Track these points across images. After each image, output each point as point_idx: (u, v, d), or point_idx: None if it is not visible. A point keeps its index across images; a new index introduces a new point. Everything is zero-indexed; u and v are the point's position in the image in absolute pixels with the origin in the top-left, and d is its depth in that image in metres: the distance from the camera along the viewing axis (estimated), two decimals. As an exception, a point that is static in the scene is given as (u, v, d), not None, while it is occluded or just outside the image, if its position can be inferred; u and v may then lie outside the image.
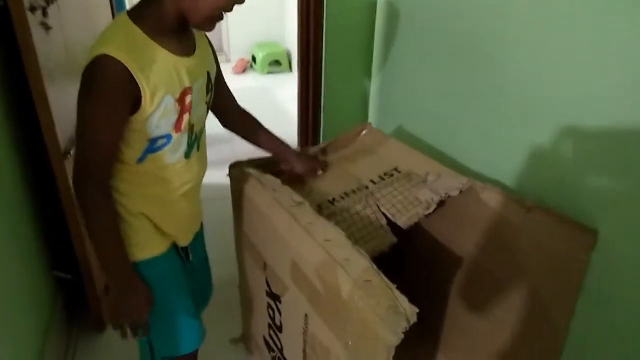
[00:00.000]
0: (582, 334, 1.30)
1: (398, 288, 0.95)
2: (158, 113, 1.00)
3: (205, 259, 1.41)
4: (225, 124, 1.35)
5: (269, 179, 1.31)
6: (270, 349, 1.51)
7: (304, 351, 1.23)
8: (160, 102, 0.99)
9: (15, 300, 1.45)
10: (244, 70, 5.31)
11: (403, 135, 1.99)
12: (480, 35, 1.51)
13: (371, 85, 2.29)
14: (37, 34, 1.40)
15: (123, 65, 0.91)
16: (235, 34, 5.43)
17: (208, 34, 1.11)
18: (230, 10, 1.00)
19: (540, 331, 1.33)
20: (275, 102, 4.46)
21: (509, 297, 1.39)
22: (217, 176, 1.55)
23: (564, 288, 1.26)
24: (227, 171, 1.41)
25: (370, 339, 0.93)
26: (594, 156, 1.21)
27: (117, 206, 1.09)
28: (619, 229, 1.17)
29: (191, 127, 1.10)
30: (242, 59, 5.36)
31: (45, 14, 1.48)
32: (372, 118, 2.33)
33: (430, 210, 1.28)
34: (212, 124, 1.29)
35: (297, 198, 1.23)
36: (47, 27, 1.50)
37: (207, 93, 1.15)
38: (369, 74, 2.27)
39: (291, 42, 5.14)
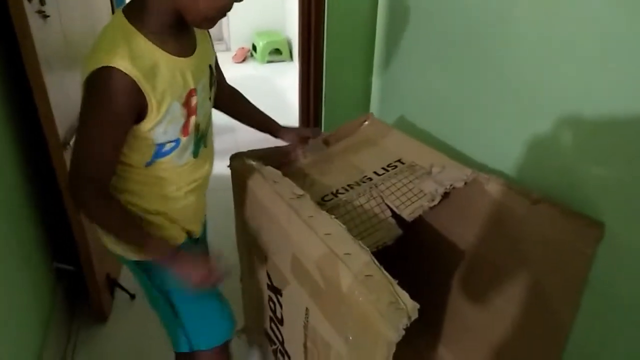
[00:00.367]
0: (586, 328, 1.30)
1: (399, 280, 0.94)
2: (165, 121, 0.98)
3: (206, 248, 1.41)
4: (215, 104, 1.32)
5: (270, 170, 1.30)
6: (271, 342, 1.51)
7: (305, 345, 1.23)
8: (167, 110, 0.97)
9: (16, 291, 1.45)
10: (244, 59, 5.27)
11: (405, 126, 1.97)
12: (483, 25, 1.48)
13: (373, 74, 2.27)
14: (34, 22, 1.38)
15: (129, 77, 0.88)
16: (235, 22, 5.38)
17: None
18: (230, 9, 0.96)
19: (543, 324, 1.33)
20: (275, 91, 4.43)
21: (511, 290, 1.38)
22: (219, 167, 1.53)
23: (568, 281, 1.24)
24: (228, 162, 1.40)
25: (370, 335, 0.92)
26: (600, 147, 1.19)
27: (132, 206, 1.08)
28: (626, 221, 1.16)
29: (197, 126, 1.08)
30: (242, 48, 5.32)
31: (42, 2, 1.46)
32: (373, 108, 2.30)
33: (435, 202, 1.27)
34: (214, 115, 1.27)
35: (298, 190, 1.22)
36: (44, 15, 1.47)
37: (210, 88, 1.13)
38: (370, 63, 2.25)
39: (292, 31, 5.09)
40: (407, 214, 1.23)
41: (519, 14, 1.35)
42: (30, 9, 1.36)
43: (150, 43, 0.93)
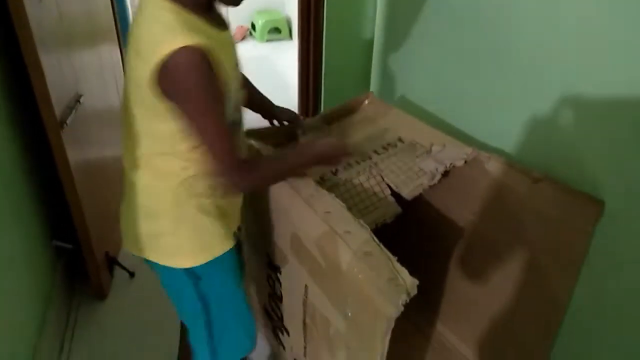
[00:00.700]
0: (583, 305, 1.31)
1: (399, 258, 0.94)
2: (231, 95, 0.96)
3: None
4: None
5: (270, 150, 1.29)
6: (270, 318, 1.52)
7: (304, 321, 1.24)
8: (232, 82, 0.96)
9: (14, 269, 1.45)
10: (243, 38, 5.20)
11: (405, 105, 1.95)
12: (485, 3, 1.46)
13: (373, 53, 2.24)
14: (29, 1, 1.36)
15: (203, 50, 0.85)
16: (234, 0, 5.30)
17: None
18: None
19: (541, 301, 1.34)
20: (275, 70, 4.38)
21: (510, 267, 1.39)
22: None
23: (567, 259, 1.25)
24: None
25: (369, 311, 0.92)
26: (601, 126, 1.19)
27: (204, 200, 1.04)
28: (626, 199, 1.16)
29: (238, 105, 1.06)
30: (241, 26, 5.25)
31: (36, -21, 1.44)
32: (373, 86, 2.28)
33: (435, 181, 1.26)
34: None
35: (298, 169, 1.22)
36: (39, -7, 1.45)
37: (237, 66, 1.09)
38: (370, 42, 2.22)
39: (291, 9, 5.02)
40: (407, 192, 1.23)
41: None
42: (25, -13, 1.34)
43: (197, 18, 0.90)
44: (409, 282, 0.89)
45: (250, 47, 5.07)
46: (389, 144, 1.42)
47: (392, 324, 0.88)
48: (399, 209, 1.20)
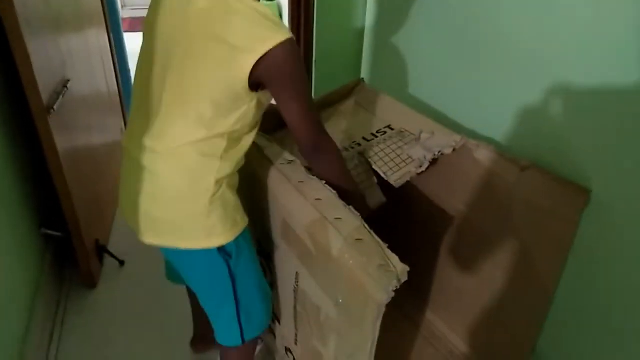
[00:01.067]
0: (571, 292, 1.32)
1: (389, 247, 0.94)
2: None
3: None
4: None
5: (260, 136, 1.28)
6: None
7: (295, 308, 1.24)
8: None
9: (3, 258, 1.44)
10: (233, 24, 5.15)
11: (396, 92, 1.95)
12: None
13: (364, 39, 2.23)
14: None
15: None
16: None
17: None
18: None
19: (529, 288, 1.35)
20: (265, 57, 4.35)
21: (498, 255, 1.40)
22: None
23: (554, 246, 1.26)
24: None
25: (360, 297, 0.93)
26: (588, 115, 1.20)
27: (234, 175, 1.10)
28: (613, 188, 1.17)
29: None
30: (231, 13, 5.19)
31: (20, -41, 1.40)
32: (364, 74, 2.28)
33: (423, 169, 1.26)
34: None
35: (288, 156, 1.21)
36: (23, -25, 1.42)
37: None
38: (362, 29, 2.21)
39: (282, -5, 4.97)
40: (395, 179, 1.23)
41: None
42: (8, -33, 1.31)
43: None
44: (400, 268, 0.89)
45: (240, 34, 5.00)
46: (378, 131, 1.42)
47: (383, 310, 0.88)
48: (383, 199, 1.20)
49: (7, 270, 1.46)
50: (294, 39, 0.97)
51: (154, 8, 1.06)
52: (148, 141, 1.04)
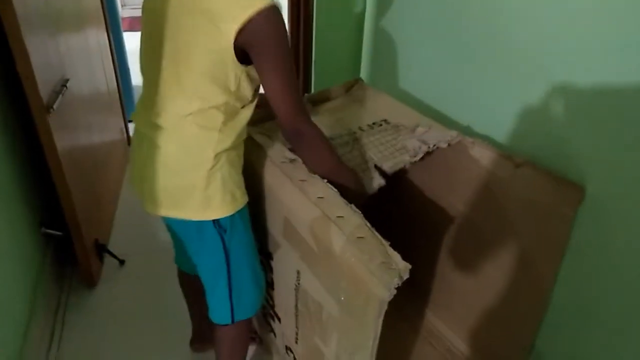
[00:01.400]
0: (568, 291, 1.32)
1: (389, 246, 0.94)
2: None
3: None
4: None
5: (261, 134, 1.28)
6: (261, 306, 1.52)
7: (296, 307, 1.24)
8: None
9: (4, 258, 1.43)
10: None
11: (394, 91, 1.95)
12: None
13: (363, 38, 2.23)
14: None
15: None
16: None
17: None
18: None
19: (527, 286, 1.35)
20: (264, 57, 4.35)
21: (495, 253, 1.40)
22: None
23: (550, 243, 1.27)
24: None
25: (362, 294, 0.93)
26: (584, 112, 1.20)
27: (232, 152, 1.10)
28: (607, 185, 1.17)
29: None
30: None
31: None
32: (363, 72, 2.28)
33: (417, 158, 1.26)
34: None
35: (289, 155, 1.21)
36: (22, -28, 1.41)
37: None
38: (361, 28, 2.21)
39: (281, -5, 4.97)
40: (389, 166, 1.23)
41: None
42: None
43: None
44: (402, 266, 0.89)
45: (239, 33, 5.00)
46: (374, 124, 1.42)
47: (385, 307, 0.88)
48: (382, 181, 1.19)
49: (7, 269, 1.46)
50: (277, 6, 0.96)
51: None
52: (152, 117, 1.08)
